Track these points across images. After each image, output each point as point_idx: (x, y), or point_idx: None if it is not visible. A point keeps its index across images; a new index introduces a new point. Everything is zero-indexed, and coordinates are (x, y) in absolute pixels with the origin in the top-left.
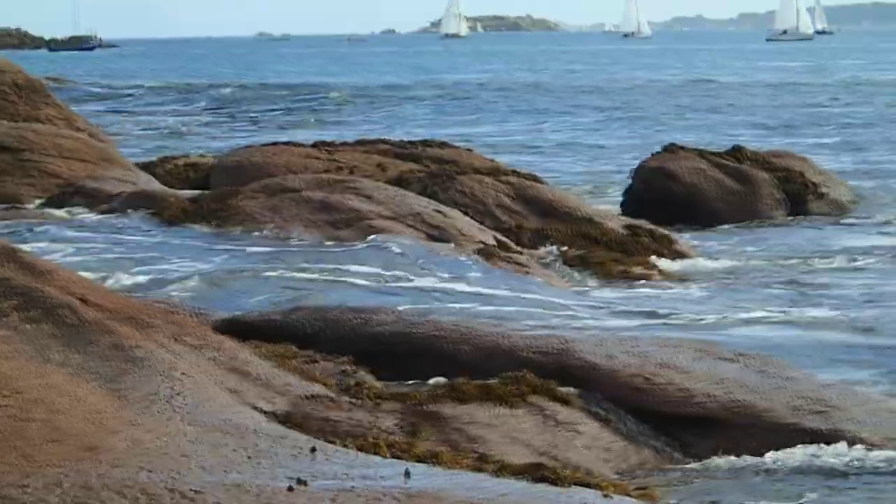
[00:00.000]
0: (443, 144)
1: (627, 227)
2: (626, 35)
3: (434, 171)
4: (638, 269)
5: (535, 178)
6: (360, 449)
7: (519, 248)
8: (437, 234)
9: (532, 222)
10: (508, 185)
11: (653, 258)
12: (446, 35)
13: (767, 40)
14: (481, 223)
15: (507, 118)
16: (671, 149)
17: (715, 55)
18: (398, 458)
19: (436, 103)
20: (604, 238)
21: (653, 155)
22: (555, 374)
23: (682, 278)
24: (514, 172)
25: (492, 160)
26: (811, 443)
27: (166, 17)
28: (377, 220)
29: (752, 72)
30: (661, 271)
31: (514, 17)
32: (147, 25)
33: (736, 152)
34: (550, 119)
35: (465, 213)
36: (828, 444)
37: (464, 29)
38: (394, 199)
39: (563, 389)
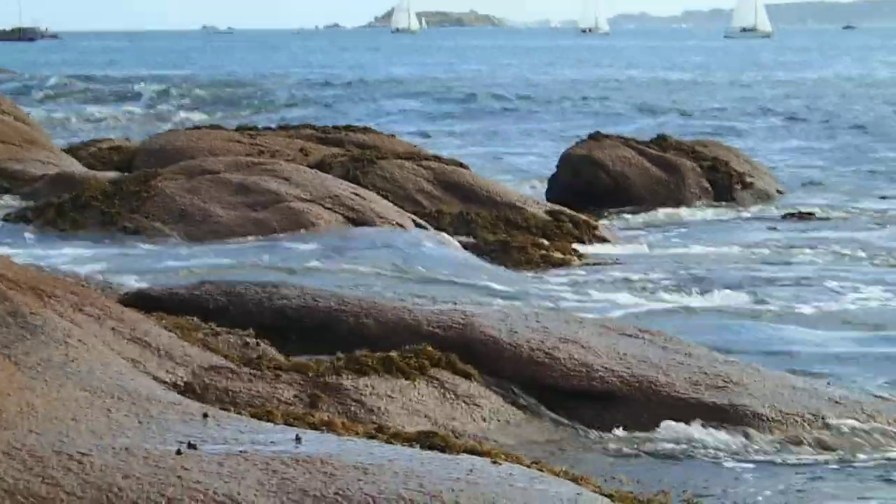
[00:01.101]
0: (366, 130)
1: (550, 212)
2: (583, 31)
3: (355, 156)
4: (558, 255)
5: (459, 164)
6: (254, 417)
7: (436, 232)
8: (355, 217)
9: (453, 207)
10: (429, 170)
11: (574, 244)
12: (397, 30)
13: (725, 37)
14: (402, 207)
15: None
16: (596, 137)
17: (690, 52)
18: (292, 426)
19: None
20: (526, 223)
21: (577, 143)
22: (458, 348)
23: (598, 263)
24: (436, 158)
25: (415, 146)
26: (710, 418)
27: (114, 9)
28: (295, 202)
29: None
30: (580, 256)
31: (458, 13)
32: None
33: (661, 141)
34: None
35: (386, 198)
36: (726, 419)
37: (414, 24)
38: (312, 181)
39: (465, 364)
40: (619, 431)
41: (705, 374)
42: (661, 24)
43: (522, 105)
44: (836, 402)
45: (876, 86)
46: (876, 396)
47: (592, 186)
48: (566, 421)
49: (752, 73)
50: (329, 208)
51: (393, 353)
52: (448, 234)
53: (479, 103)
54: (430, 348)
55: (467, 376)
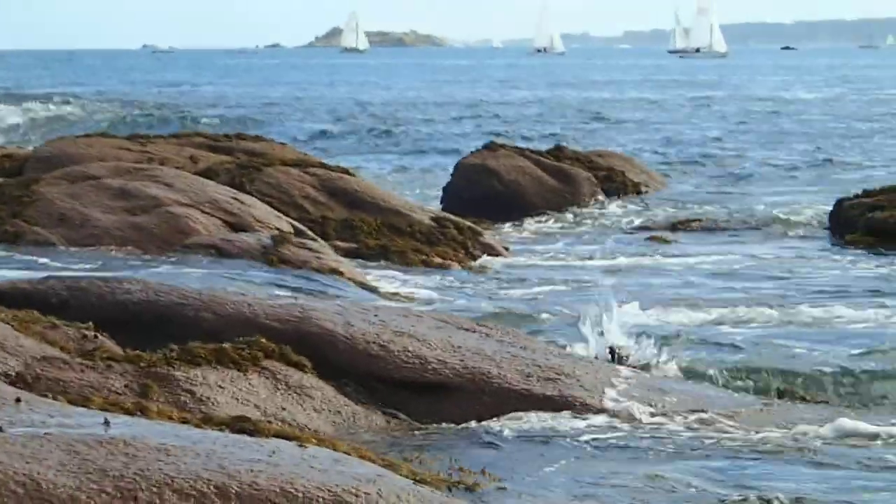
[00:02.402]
0: (256, 138)
1: (435, 219)
2: (538, 50)
3: (242, 163)
4: (438, 260)
5: (345, 171)
6: (71, 404)
7: (314, 237)
8: (234, 221)
9: (338, 213)
10: (315, 177)
11: (458, 250)
12: (346, 49)
13: (681, 57)
14: (287, 214)
15: None
16: (492, 146)
17: (657, 71)
18: (109, 411)
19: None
20: (410, 229)
21: (473, 152)
22: (295, 340)
23: (478, 270)
24: (322, 164)
25: (304, 154)
26: (541, 409)
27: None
28: (174, 206)
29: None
30: (460, 262)
31: (400, 32)
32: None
33: (557, 151)
34: None
35: (271, 204)
36: (557, 409)
37: (363, 43)
38: (192, 186)
39: (299, 356)
40: (450, 421)
41: (538, 366)
42: (602, 44)
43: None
44: (664, 392)
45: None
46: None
47: (486, 195)
48: (397, 411)
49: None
50: (208, 213)
51: (226, 345)
52: (332, 238)
53: None
54: (262, 340)
55: (300, 368)
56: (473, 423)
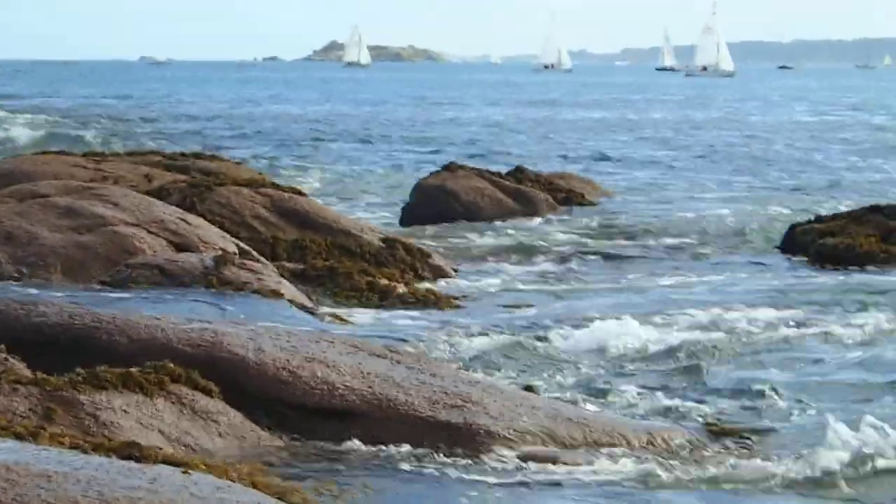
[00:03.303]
0: (213, 157)
1: (384, 240)
2: (546, 66)
3: (193, 182)
4: (384, 282)
5: (297, 191)
6: None
7: (258, 257)
8: (179, 241)
9: (289, 234)
10: (266, 197)
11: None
12: (349, 63)
13: (687, 76)
14: (237, 234)
15: None
16: (451, 167)
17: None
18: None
19: None
20: (360, 250)
21: (432, 173)
22: (205, 365)
23: (423, 295)
24: (274, 185)
25: (261, 173)
26: (447, 435)
27: (50, 40)
28: (120, 226)
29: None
30: (407, 284)
31: (397, 47)
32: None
33: (518, 173)
34: None
35: (222, 224)
36: (462, 436)
37: (365, 57)
38: (139, 206)
39: (207, 381)
40: (356, 446)
41: (445, 393)
42: (600, 61)
43: None
44: (573, 421)
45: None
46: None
47: (444, 216)
48: (304, 437)
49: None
50: (153, 233)
51: (133, 369)
52: (282, 259)
53: None
54: (170, 364)
55: (208, 393)
56: (382, 450)
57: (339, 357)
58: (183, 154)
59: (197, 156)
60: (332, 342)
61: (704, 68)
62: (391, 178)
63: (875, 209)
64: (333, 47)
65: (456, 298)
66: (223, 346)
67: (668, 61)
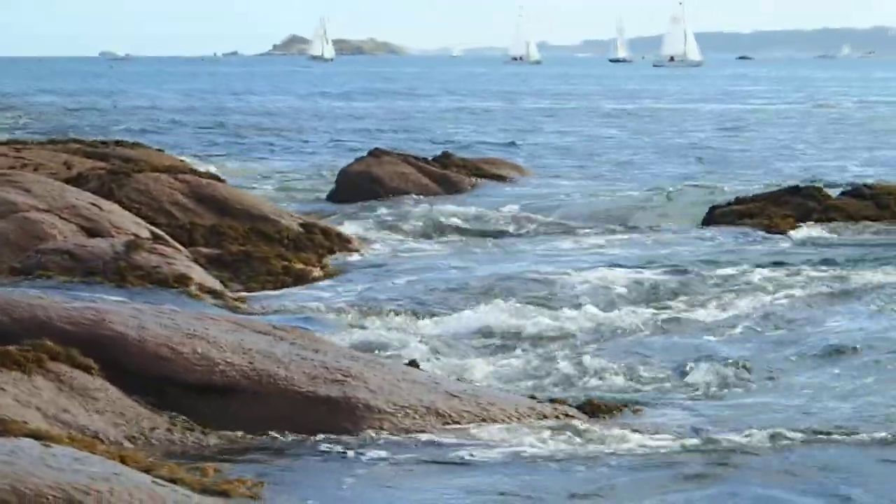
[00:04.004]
0: (134, 145)
1: (303, 225)
2: (514, 59)
3: (112, 169)
4: (299, 266)
5: (215, 177)
6: None
7: (172, 242)
8: (91, 227)
9: (207, 220)
10: (184, 184)
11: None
12: (313, 57)
13: (654, 66)
14: (155, 220)
15: None
16: (376, 153)
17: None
18: None
19: None
20: (278, 235)
21: (357, 159)
22: (87, 343)
23: (337, 273)
24: (193, 171)
25: (182, 160)
26: (327, 410)
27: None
28: (32, 212)
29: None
30: (322, 267)
31: (357, 40)
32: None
33: (444, 158)
34: None
35: (140, 211)
36: (341, 410)
37: (329, 51)
38: (51, 192)
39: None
40: (237, 422)
41: (326, 368)
42: (561, 52)
43: None
44: (453, 395)
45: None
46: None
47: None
48: (184, 413)
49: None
50: (65, 219)
51: (11, 347)
52: (199, 244)
53: None
54: (48, 342)
55: (88, 370)
56: (257, 427)
57: (220, 334)
58: (104, 142)
59: (118, 143)
60: (215, 320)
61: (672, 58)
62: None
63: (793, 190)
64: (294, 41)
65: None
66: (105, 324)
67: (622, 53)
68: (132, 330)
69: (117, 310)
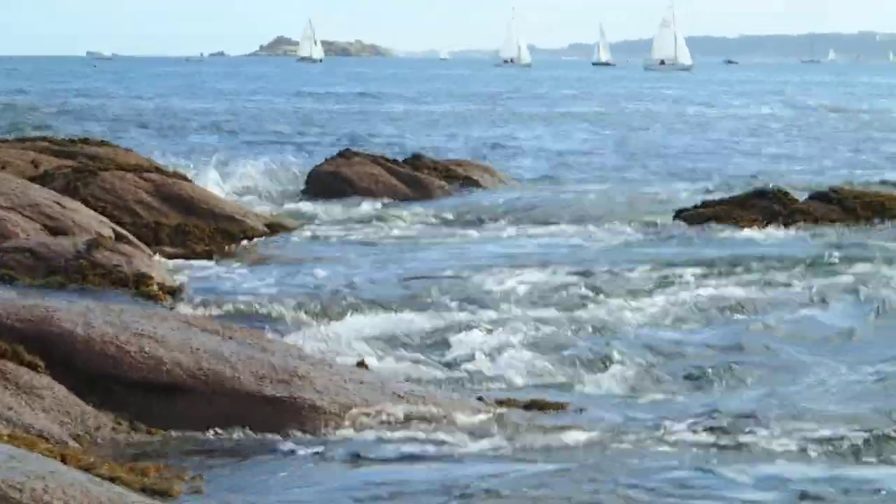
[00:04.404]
0: (101, 143)
1: (268, 225)
2: (505, 61)
3: (78, 168)
4: None
5: (182, 177)
6: None
7: (135, 241)
8: (54, 225)
9: (173, 219)
10: (150, 182)
11: None
12: (302, 58)
13: (645, 69)
14: (120, 219)
15: None
16: (346, 154)
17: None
18: None
19: None
20: (243, 235)
21: (327, 160)
22: (35, 340)
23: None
24: (158, 170)
25: (149, 159)
26: (273, 409)
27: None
28: None
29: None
30: None
31: (344, 42)
32: None
33: (415, 160)
34: None
35: (105, 209)
36: (287, 410)
37: (318, 52)
38: (14, 190)
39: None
40: (183, 421)
41: (274, 368)
42: (548, 55)
43: None
44: (400, 397)
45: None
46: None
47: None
48: (130, 411)
49: None
50: (28, 217)
51: None
52: (165, 244)
53: None
54: None
55: (33, 367)
56: (201, 426)
57: (168, 332)
58: (72, 140)
59: (85, 141)
60: (164, 318)
61: (662, 62)
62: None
63: (759, 193)
64: (280, 42)
65: None
66: (53, 321)
67: (604, 56)
68: (80, 328)
69: (66, 307)
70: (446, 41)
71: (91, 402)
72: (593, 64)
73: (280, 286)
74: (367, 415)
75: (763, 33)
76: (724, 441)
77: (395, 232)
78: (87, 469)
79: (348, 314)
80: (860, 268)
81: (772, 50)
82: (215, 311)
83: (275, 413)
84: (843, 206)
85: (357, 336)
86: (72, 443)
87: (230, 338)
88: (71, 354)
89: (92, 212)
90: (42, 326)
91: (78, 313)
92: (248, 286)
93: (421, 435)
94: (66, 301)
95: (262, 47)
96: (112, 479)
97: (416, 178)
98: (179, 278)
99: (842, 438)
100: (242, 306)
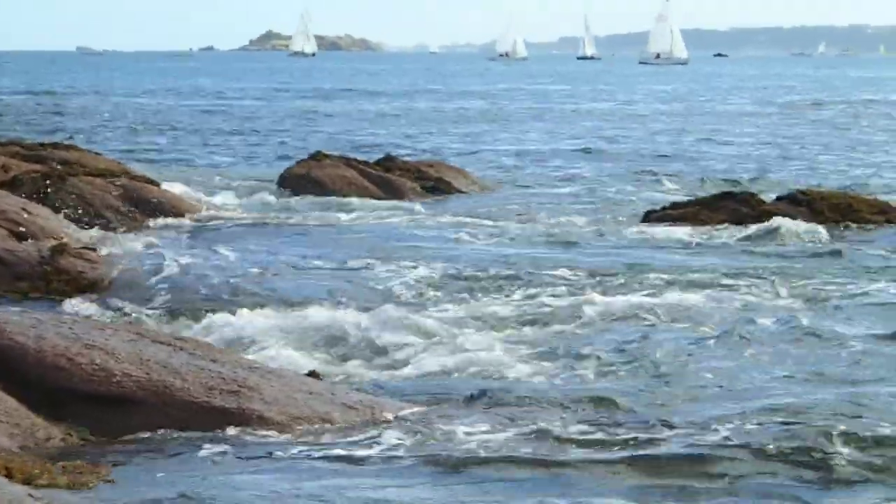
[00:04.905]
0: (69, 147)
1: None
2: (501, 55)
3: (46, 172)
4: None
5: (150, 181)
6: None
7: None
8: (21, 232)
9: (141, 223)
10: (119, 187)
11: None
12: (294, 53)
13: (640, 63)
14: (90, 224)
15: None
16: (317, 157)
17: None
18: None
19: None
20: None
21: (298, 162)
22: None
23: None
24: (127, 174)
25: (119, 163)
26: (223, 420)
27: None
28: None
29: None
30: None
31: (334, 36)
32: None
33: (387, 161)
34: None
35: (74, 215)
36: (235, 421)
37: (311, 47)
38: None
39: None
40: (133, 433)
41: (223, 379)
42: (538, 50)
43: None
44: (350, 407)
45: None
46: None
47: None
48: (81, 424)
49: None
50: None
51: None
52: None
53: None
54: None
55: None
56: (150, 435)
57: (120, 344)
58: (42, 144)
59: (55, 146)
60: (115, 330)
61: (658, 56)
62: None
63: (727, 195)
64: (270, 37)
65: None
66: (4, 334)
67: (589, 50)
68: (31, 340)
69: (17, 319)
70: (435, 36)
71: (41, 414)
72: (578, 59)
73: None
74: (320, 425)
75: (754, 26)
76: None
77: None
78: (29, 481)
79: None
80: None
81: (763, 43)
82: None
83: (224, 424)
84: (811, 208)
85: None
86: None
87: (181, 349)
88: (22, 367)
89: (59, 217)
90: None
91: (29, 325)
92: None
93: (354, 442)
94: (17, 312)
95: (251, 42)
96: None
97: (387, 179)
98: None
99: None
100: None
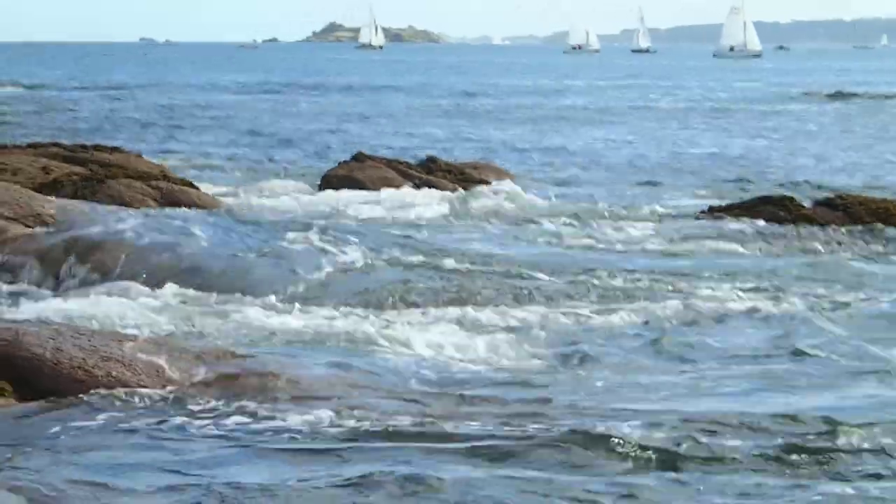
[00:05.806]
0: (113, 149)
1: None
2: (574, 48)
3: (86, 175)
4: None
5: (188, 184)
6: None
7: None
8: None
9: None
10: (157, 190)
11: None
12: (362, 45)
13: (714, 56)
14: None
15: None
16: (359, 157)
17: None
18: None
19: None
20: None
21: (339, 164)
22: (3, 363)
23: None
24: (165, 177)
25: (160, 166)
26: None
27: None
28: None
29: None
30: None
31: (396, 28)
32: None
33: (430, 163)
34: None
35: None
36: None
37: (379, 39)
38: (18, 200)
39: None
40: None
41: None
42: (603, 42)
43: None
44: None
45: None
46: None
47: None
48: None
49: None
50: (29, 226)
51: None
52: None
53: None
54: None
55: (0, 392)
56: None
57: (137, 356)
58: (83, 146)
59: (97, 148)
60: (133, 341)
61: (732, 49)
62: None
63: (765, 200)
64: (332, 28)
65: None
66: (22, 345)
67: (643, 43)
68: (48, 352)
69: (35, 330)
70: (495, 27)
71: None
72: (632, 51)
73: None
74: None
75: (814, 18)
76: None
77: None
78: None
79: None
80: None
81: (823, 35)
82: None
83: None
84: (847, 213)
85: None
86: None
87: (203, 362)
88: (38, 378)
89: None
90: (9, 350)
91: (48, 337)
92: None
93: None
94: (35, 323)
95: (314, 34)
96: None
97: (428, 181)
98: None
99: None
100: None
